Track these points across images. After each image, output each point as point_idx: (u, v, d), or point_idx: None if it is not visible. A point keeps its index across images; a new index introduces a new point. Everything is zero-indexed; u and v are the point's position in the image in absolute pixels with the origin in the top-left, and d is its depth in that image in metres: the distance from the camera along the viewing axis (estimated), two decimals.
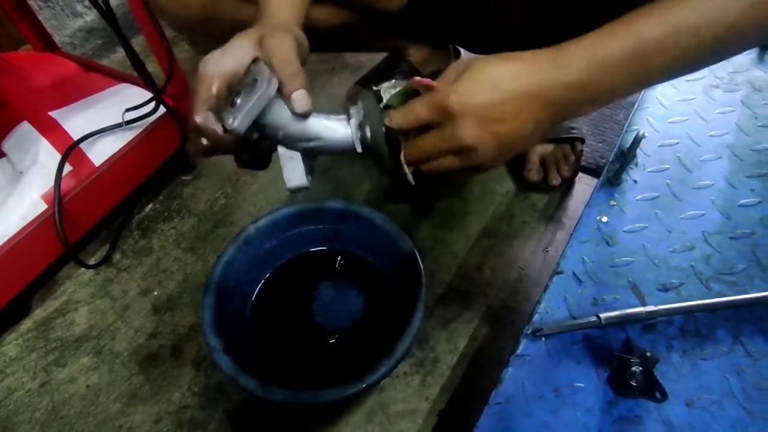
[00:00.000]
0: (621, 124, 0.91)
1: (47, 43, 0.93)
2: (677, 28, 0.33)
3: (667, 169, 0.57)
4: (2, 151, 0.73)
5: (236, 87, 0.37)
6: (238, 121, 0.36)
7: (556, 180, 0.79)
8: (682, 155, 0.58)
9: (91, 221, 0.73)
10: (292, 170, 0.40)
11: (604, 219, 0.53)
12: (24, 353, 0.67)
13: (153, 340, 0.68)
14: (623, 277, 0.48)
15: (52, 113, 0.75)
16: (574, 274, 0.49)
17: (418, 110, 0.38)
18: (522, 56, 0.37)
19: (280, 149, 0.40)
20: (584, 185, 0.83)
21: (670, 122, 0.62)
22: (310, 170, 0.41)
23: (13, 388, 0.64)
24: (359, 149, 0.39)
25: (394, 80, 0.41)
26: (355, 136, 0.39)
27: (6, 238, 0.63)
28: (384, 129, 0.38)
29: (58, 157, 0.69)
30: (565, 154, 0.80)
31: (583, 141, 0.82)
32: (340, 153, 0.40)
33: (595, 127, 0.91)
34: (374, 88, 0.40)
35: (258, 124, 0.37)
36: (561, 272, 0.49)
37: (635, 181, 0.56)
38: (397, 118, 0.38)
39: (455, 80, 0.37)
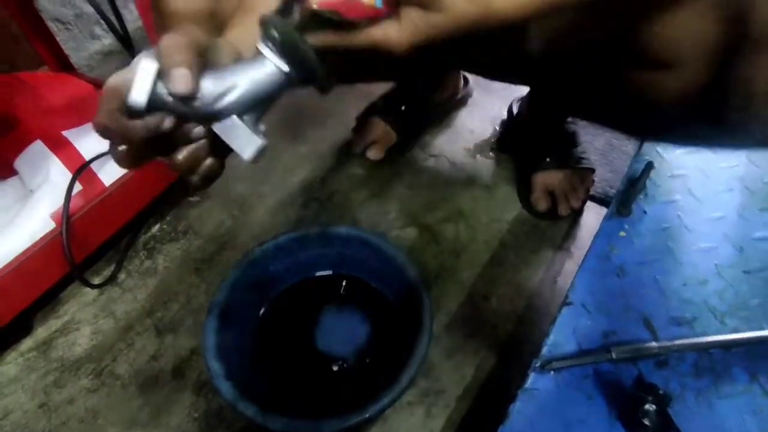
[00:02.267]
0: (630, 154, 0.91)
1: (64, 65, 0.95)
2: None
3: (678, 200, 0.56)
4: (14, 168, 0.73)
5: None
6: (133, 94, 0.30)
7: (565, 210, 0.79)
8: (693, 186, 0.58)
9: (98, 241, 0.74)
10: (239, 137, 0.34)
11: (614, 250, 0.52)
12: (23, 373, 0.66)
13: (154, 362, 0.67)
14: (634, 310, 0.47)
15: (65, 133, 0.76)
16: (583, 305, 0.48)
17: None
18: None
19: (215, 127, 0.34)
20: (593, 215, 0.82)
21: (679, 153, 0.62)
22: (258, 128, 0.35)
23: (11, 409, 0.63)
24: (285, 67, 0.34)
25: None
26: (272, 63, 0.33)
27: (14, 256, 0.63)
28: (304, 38, 0.33)
29: (69, 176, 0.70)
30: (575, 184, 0.80)
31: (593, 171, 0.82)
32: (268, 93, 0.35)
33: (604, 156, 0.91)
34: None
35: (164, 104, 0.32)
36: (570, 303, 0.48)
37: (645, 212, 0.56)
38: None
39: None
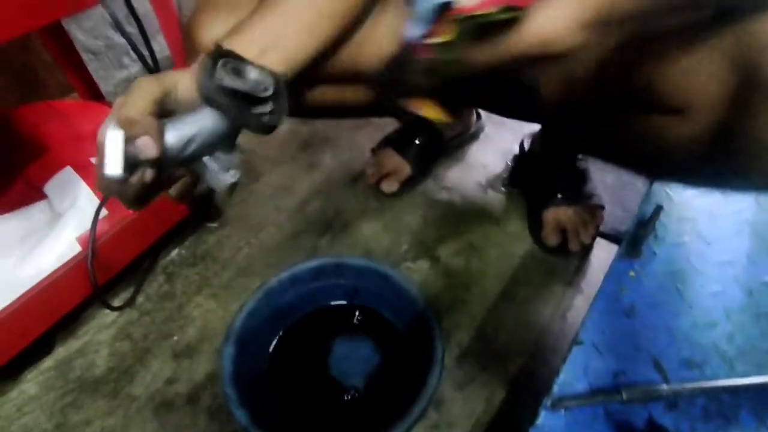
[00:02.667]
0: (640, 192, 0.93)
1: (93, 92, 1.00)
2: None
3: (687, 242, 0.58)
4: (44, 192, 0.76)
5: None
6: (108, 167, 0.34)
7: (576, 246, 0.80)
8: (702, 229, 0.59)
9: (120, 264, 0.76)
10: (211, 176, 0.39)
11: (624, 290, 0.53)
12: (43, 392, 0.68)
13: (170, 386, 0.68)
14: (644, 350, 0.48)
15: (94, 159, 0.79)
16: (593, 345, 0.49)
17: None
18: None
19: (190, 169, 0.39)
20: (603, 251, 0.83)
21: (688, 196, 0.64)
22: (227, 167, 0.39)
23: (30, 428, 0.64)
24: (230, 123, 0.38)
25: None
26: (212, 112, 0.37)
27: (41, 277, 0.65)
28: (222, 78, 0.36)
29: (96, 201, 0.73)
30: (585, 220, 0.81)
31: (603, 208, 0.83)
32: (223, 135, 0.38)
33: (615, 193, 0.92)
34: None
35: (140, 161, 0.35)
36: (580, 343, 0.49)
37: (654, 253, 0.57)
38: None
39: None
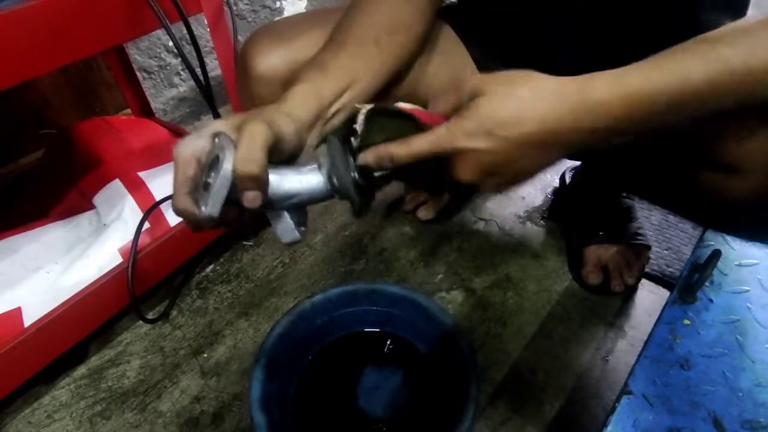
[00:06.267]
0: (688, 233, 0.89)
1: (145, 109, 1.04)
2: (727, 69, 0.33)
3: (747, 291, 0.54)
4: (93, 203, 0.79)
5: (205, 164, 0.37)
6: (209, 207, 0.35)
7: (619, 286, 0.76)
8: (764, 278, 0.55)
9: (157, 277, 0.77)
10: (283, 227, 0.40)
11: (678, 339, 0.50)
12: (74, 400, 0.69)
13: (196, 404, 0.67)
14: (702, 407, 0.44)
15: (141, 173, 0.82)
16: (644, 396, 0.46)
17: (420, 150, 0.37)
18: (545, 83, 0.36)
19: (267, 213, 0.40)
20: (647, 293, 0.79)
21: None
22: (300, 223, 0.41)
23: None
24: (335, 197, 0.40)
25: (366, 109, 0.40)
26: (326, 186, 0.39)
27: (82, 287, 0.67)
28: (354, 174, 0.39)
29: (140, 214, 0.75)
30: (629, 260, 0.78)
31: (649, 248, 0.80)
32: (322, 200, 0.40)
33: (660, 233, 0.89)
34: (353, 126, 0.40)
35: (233, 201, 0.36)
36: (630, 393, 0.46)
37: (711, 301, 0.53)
38: (399, 154, 0.38)
39: (464, 114, 0.37)
